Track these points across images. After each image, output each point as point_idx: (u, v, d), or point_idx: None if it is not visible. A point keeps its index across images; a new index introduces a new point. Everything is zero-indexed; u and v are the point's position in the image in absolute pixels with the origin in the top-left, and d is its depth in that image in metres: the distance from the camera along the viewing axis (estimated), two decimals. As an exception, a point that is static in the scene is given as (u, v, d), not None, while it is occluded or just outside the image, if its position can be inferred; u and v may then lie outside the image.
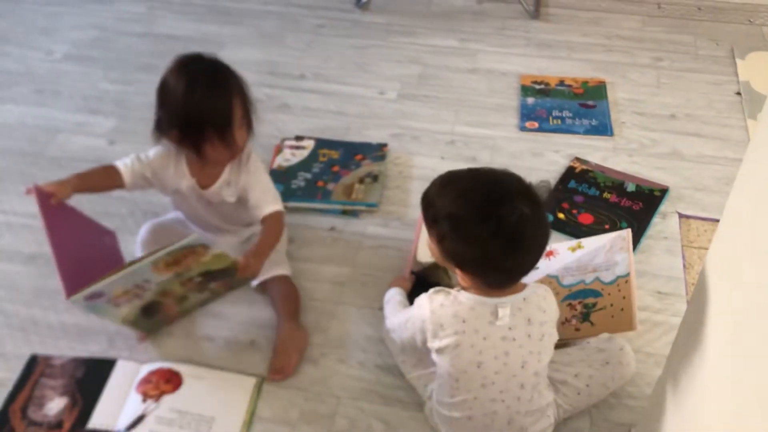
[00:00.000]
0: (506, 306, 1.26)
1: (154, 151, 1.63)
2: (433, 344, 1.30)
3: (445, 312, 1.28)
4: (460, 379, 1.30)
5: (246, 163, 1.62)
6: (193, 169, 1.62)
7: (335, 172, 2.06)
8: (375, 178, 2.03)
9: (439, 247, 1.29)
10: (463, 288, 1.31)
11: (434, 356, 1.32)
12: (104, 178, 1.62)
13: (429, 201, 1.30)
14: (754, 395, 0.79)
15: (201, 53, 1.56)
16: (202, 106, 1.49)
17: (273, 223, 1.62)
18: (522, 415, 1.33)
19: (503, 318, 1.25)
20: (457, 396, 1.33)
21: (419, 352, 1.43)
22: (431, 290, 1.32)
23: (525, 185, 1.26)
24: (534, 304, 1.28)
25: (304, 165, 2.07)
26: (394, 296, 1.55)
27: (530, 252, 1.25)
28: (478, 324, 1.26)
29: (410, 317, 1.35)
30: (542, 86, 2.44)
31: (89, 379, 1.54)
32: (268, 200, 1.62)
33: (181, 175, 1.62)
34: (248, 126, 1.58)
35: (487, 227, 1.19)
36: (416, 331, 1.33)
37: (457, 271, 1.31)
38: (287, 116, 2.30)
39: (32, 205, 1.94)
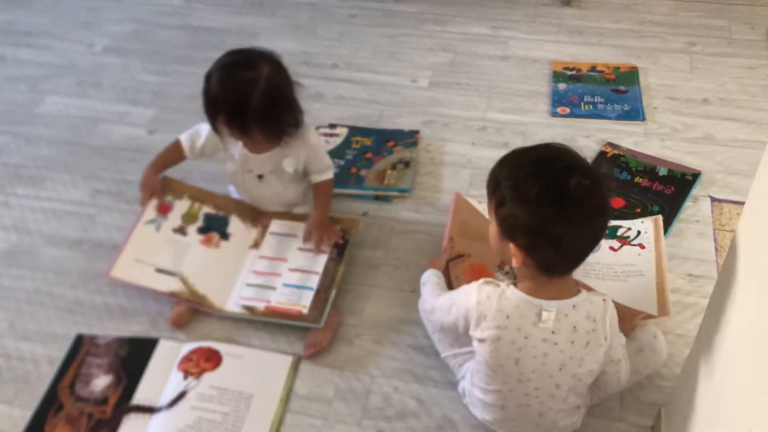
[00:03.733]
0: (552, 310, 1.24)
1: (206, 127, 1.72)
2: (475, 333, 1.30)
3: (490, 304, 1.27)
4: (497, 371, 1.31)
5: (301, 134, 1.69)
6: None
7: (368, 158, 2.10)
8: (407, 164, 2.07)
9: (497, 218, 1.24)
10: (516, 278, 1.30)
11: (475, 344, 1.32)
12: (173, 155, 1.80)
13: (493, 172, 1.27)
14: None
15: (251, 48, 1.62)
16: (243, 101, 1.55)
17: (326, 191, 1.81)
18: (555, 411, 1.34)
19: (547, 321, 1.24)
20: (492, 385, 1.34)
21: (456, 332, 1.44)
22: (481, 280, 1.31)
23: (586, 161, 1.25)
24: (583, 312, 1.25)
25: (338, 152, 2.11)
26: (430, 278, 1.56)
27: (585, 225, 1.19)
28: (521, 322, 1.25)
29: (455, 303, 1.35)
30: (574, 72, 2.45)
31: (132, 357, 1.60)
32: (323, 169, 1.79)
33: (234, 144, 1.71)
34: (272, 128, 1.64)
35: (544, 189, 1.17)
36: (460, 317, 1.33)
37: (512, 249, 1.23)
38: (321, 105, 2.34)
39: (78, 192, 2.03)
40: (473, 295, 1.29)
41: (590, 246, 1.23)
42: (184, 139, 1.78)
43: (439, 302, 1.43)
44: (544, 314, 1.24)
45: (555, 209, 1.16)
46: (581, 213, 1.17)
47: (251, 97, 1.55)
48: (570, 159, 1.23)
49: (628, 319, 1.48)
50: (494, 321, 1.26)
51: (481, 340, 1.30)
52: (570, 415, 1.37)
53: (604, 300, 1.28)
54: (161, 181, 1.80)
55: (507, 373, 1.30)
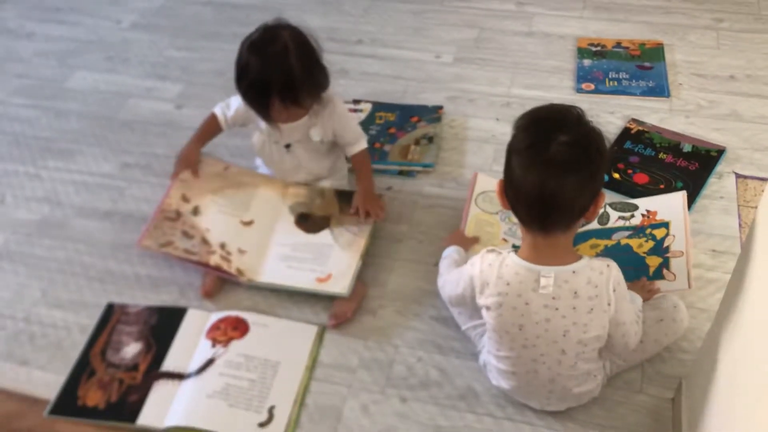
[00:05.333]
0: (550, 276, 1.26)
1: (237, 98, 1.74)
2: (480, 301, 1.34)
3: (492, 272, 1.31)
4: (503, 337, 1.34)
5: (328, 104, 1.72)
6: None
7: (392, 134, 2.11)
8: (431, 139, 2.08)
9: (504, 182, 1.30)
10: (519, 244, 1.34)
11: (483, 312, 1.36)
12: (212, 128, 1.84)
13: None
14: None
15: (278, 23, 1.64)
16: (262, 74, 1.58)
17: (364, 162, 1.84)
18: (564, 377, 1.36)
19: (546, 287, 1.26)
20: (501, 351, 1.38)
21: (475, 305, 1.47)
22: (485, 249, 1.36)
23: (577, 120, 1.25)
24: (583, 278, 1.27)
25: (362, 127, 2.11)
26: (451, 254, 1.59)
27: (551, 175, 1.19)
28: (521, 288, 1.28)
29: (462, 274, 1.40)
30: (599, 48, 2.44)
31: (162, 325, 1.64)
32: (356, 139, 1.82)
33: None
34: (315, 87, 1.66)
35: (530, 143, 1.22)
36: (466, 287, 1.37)
37: (497, 189, 1.31)
38: (345, 81, 2.36)
39: (107, 165, 2.07)
40: (477, 263, 1.34)
41: (572, 200, 1.22)
42: (218, 111, 1.82)
43: (450, 276, 1.48)
44: (543, 280, 1.26)
45: (527, 157, 1.21)
46: (550, 164, 1.19)
47: (291, 66, 1.58)
48: (561, 115, 1.25)
49: (640, 286, 1.52)
50: (496, 288, 1.30)
51: (486, 308, 1.34)
52: (583, 381, 1.38)
53: (608, 266, 1.29)
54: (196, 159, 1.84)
55: (513, 339, 1.33)
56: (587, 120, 1.26)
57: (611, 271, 1.29)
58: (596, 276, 1.27)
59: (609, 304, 1.29)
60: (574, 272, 1.27)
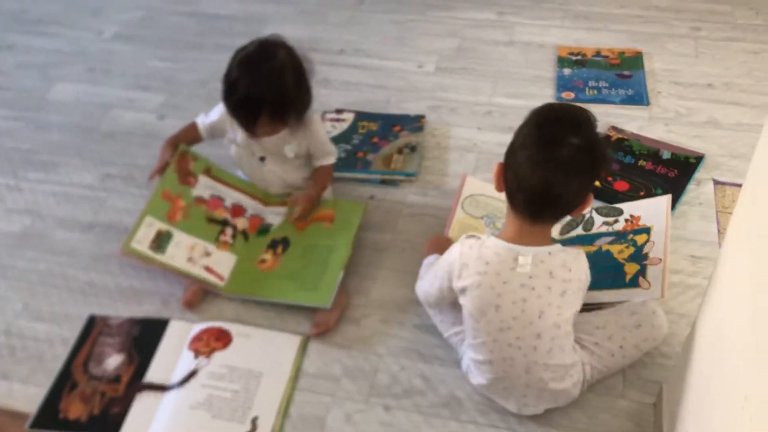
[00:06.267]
0: (528, 255, 1.32)
1: (221, 107, 1.75)
2: (458, 284, 1.37)
3: (472, 253, 1.35)
4: (480, 320, 1.37)
5: (305, 124, 1.75)
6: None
7: (374, 143, 2.12)
8: (413, 148, 2.09)
9: (505, 169, 1.35)
10: (505, 227, 1.39)
11: (460, 299, 1.39)
12: (189, 134, 1.85)
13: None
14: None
15: (274, 40, 1.67)
16: (256, 91, 1.61)
17: (325, 174, 1.87)
18: (540, 366, 1.37)
19: (524, 266, 1.31)
20: (478, 338, 1.39)
21: (456, 311, 1.49)
22: (464, 235, 1.40)
23: (590, 124, 1.32)
24: (558, 260, 1.33)
25: (345, 137, 2.14)
26: (432, 262, 1.60)
27: (565, 174, 1.27)
28: (500, 267, 1.33)
29: (440, 264, 1.44)
30: (579, 57, 2.46)
31: (144, 337, 1.64)
32: (324, 155, 1.85)
33: (238, 128, 1.74)
34: (303, 107, 1.70)
35: (542, 144, 1.28)
36: (444, 276, 1.41)
37: (495, 171, 1.37)
38: (328, 90, 2.37)
39: (89, 176, 2.07)
40: (456, 248, 1.39)
41: (569, 196, 1.31)
42: (199, 120, 1.83)
43: (428, 275, 1.51)
44: (521, 258, 1.32)
45: (538, 155, 1.27)
46: (559, 165, 1.26)
47: (286, 85, 1.61)
48: (574, 119, 1.32)
49: None
50: (475, 268, 1.34)
51: (462, 290, 1.37)
52: (559, 377, 1.39)
53: (578, 253, 1.37)
54: (179, 150, 1.82)
55: (489, 321, 1.35)
56: (596, 124, 1.33)
57: (583, 258, 1.37)
58: (570, 260, 1.35)
59: (580, 289, 1.36)
60: (549, 253, 1.33)
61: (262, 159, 1.80)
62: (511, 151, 1.33)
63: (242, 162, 1.84)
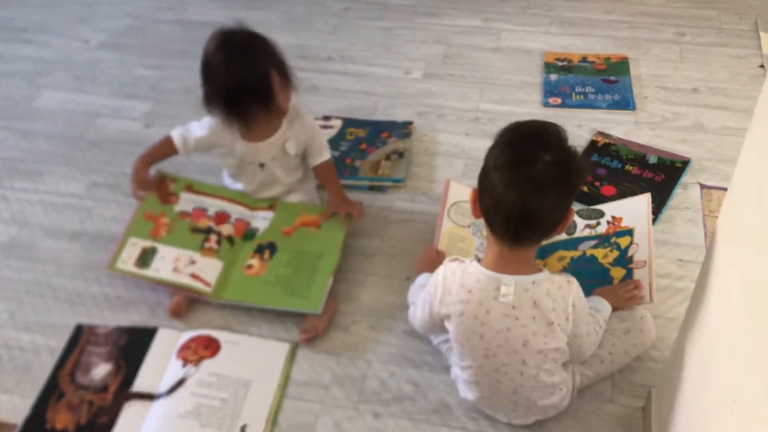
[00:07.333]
0: (510, 284, 1.28)
1: (207, 122, 1.73)
2: (441, 310, 1.35)
3: (454, 279, 1.32)
4: (464, 346, 1.35)
5: (298, 116, 1.75)
6: (243, 132, 1.72)
7: (362, 149, 2.12)
8: (401, 155, 2.09)
9: (479, 193, 1.30)
10: (484, 253, 1.35)
11: (446, 324, 1.37)
12: (164, 150, 1.79)
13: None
14: (762, 352, 0.83)
15: (234, 27, 1.63)
16: (241, 80, 1.58)
17: (331, 169, 1.86)
18: (527, 388, 1.36)
19: (507, 296, 1.28)
20: (464, 361, 1.38)
21: (433, 325, 1.47)
22: (448, 258, 1.37)
23: (561, 137, 1.27)
24: (543, 289, 1.28)
25: (333, 143, 2.14)
26: (422, 283, 1.56)
27: (540, 190, 1.22)
28: (481, 296, 1.29)
29: (427, 289, 1.40)
30: (565, 63, 2.47)
31: (132, 346, 1.63)
32: (321, 148, 1.83)
33: (235, 138, 1.72)
34: (289, 87, 1.67)
35: (510, 156, 1.24)
36: (430, 301, 1.38)
37: (470, 197, 1.33)
38: (316, 97, 2.37)
39: (76, 185, 2.06)
40: (440, 272, 1.36)
41: (548, 217, 1.26)
42: (175, 136, 1.77)
43: (419, 301, 1.47)
44: (503, 288, 1.28)
45: (511, 175, 1.22)
46: (534, 183, 1.21)
47: (268, 70, 1.59)
48: (543, 135, 1.27)
49: (610, 292, 1.54)
50: (457, 296, 1.31)
51: (446, 317, 1.35)
52: (548, 394, 1.39)
53: (568, 281, 1.32)
54: (155, 176, 1.82)
55: (474, 348, 1.34)
56: (566, 137, 1.28)
57: (571, 287, 1.31)
58: (555, 289, 1.29)
59: (567, 320, 1.31)
60: (533, 282, 1.29)
61: (262, 165, 1.79)
62: (484, 174, 1.28)
63: (240, 171, 1.82)
